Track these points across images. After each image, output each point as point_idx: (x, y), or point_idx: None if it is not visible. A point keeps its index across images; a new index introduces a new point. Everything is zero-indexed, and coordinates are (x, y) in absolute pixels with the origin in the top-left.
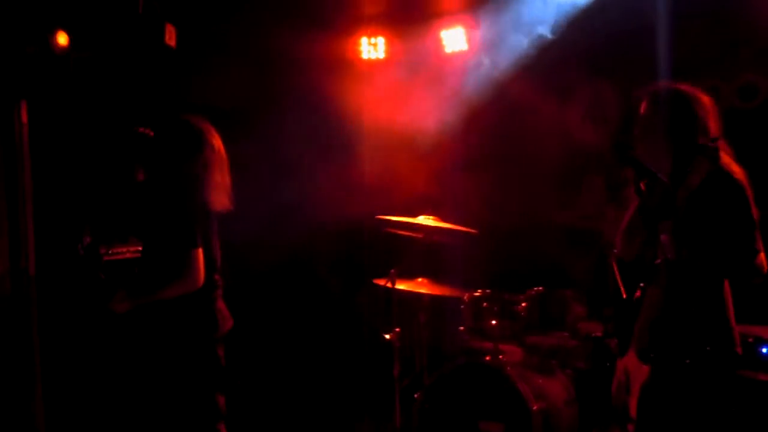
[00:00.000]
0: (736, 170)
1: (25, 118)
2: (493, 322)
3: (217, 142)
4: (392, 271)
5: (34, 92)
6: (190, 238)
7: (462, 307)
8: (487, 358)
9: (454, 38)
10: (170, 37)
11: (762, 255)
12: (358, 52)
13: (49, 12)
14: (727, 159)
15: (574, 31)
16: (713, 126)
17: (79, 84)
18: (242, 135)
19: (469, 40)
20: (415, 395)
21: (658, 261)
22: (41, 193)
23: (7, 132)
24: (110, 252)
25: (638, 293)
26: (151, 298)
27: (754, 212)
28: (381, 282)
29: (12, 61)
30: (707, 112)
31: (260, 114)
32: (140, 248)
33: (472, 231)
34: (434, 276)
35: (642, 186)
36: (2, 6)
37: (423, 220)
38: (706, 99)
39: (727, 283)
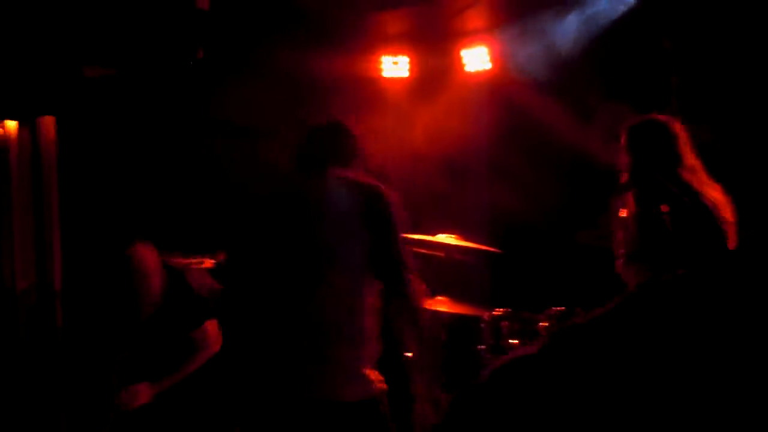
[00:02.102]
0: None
1: (52, 133)
2: (513, 341)
3: None
4: None
5: (61, 108)
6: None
7: (482, 325)
8: None
9: (475, 57)
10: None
11: None
12: (379, 71)
13: (77, 33)
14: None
15: (596, 53)
16: (685, 153)
17: (105, 100)
18: (263, 152)
19: (492, 60)
20: None
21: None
22: (68, 207)
23: (35, 148)
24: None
25: None
26: (178, 377)
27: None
28: None
29: (39, 77)
30: (679, 140)
31: (281, 131)
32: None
33: (495, 250)
34: (454, 294)
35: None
36: (30, 26)
37: (444, 238)
38: (678, 128)
39: None
